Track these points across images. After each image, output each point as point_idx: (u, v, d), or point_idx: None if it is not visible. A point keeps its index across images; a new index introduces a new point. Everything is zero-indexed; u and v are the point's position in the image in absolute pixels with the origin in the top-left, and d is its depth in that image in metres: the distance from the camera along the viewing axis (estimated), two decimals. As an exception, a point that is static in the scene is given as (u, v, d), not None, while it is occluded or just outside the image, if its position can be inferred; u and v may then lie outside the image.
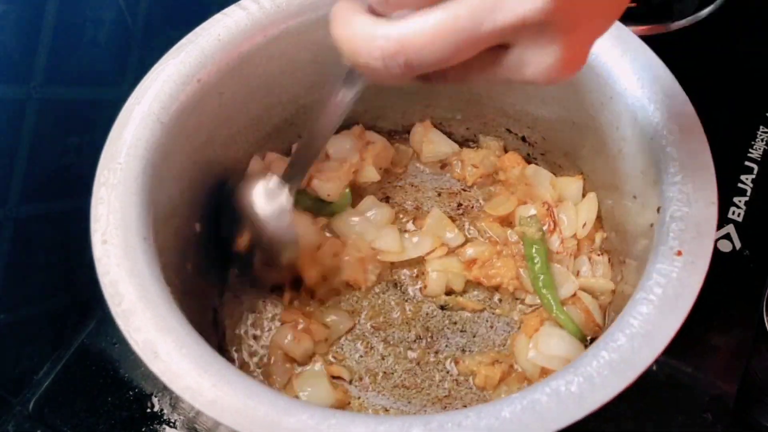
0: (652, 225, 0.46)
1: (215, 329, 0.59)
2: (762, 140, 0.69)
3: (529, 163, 0.65)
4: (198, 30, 0.53)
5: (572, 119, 0.56)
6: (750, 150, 0.69)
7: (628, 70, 0.49)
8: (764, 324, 0.58)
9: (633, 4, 0.75)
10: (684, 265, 0.41)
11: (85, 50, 0.57)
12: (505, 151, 0.67)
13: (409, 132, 0.69)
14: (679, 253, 0.41)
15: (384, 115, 0.67)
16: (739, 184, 0.66)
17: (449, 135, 0.68)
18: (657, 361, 0.53)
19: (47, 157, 0.56)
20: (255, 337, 0.59)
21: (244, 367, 0.58)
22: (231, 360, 0.58)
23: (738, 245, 0.63)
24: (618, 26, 0.51)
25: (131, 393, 0.58)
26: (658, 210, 0.45)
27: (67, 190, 0.58)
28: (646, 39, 0.51)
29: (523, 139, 0.64)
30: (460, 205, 0.66)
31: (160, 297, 0.42)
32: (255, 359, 0.58)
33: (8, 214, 0.53)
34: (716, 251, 0.62)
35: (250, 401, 0.38)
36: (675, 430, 0.54)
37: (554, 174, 0.63)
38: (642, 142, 0.48)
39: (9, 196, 0.53)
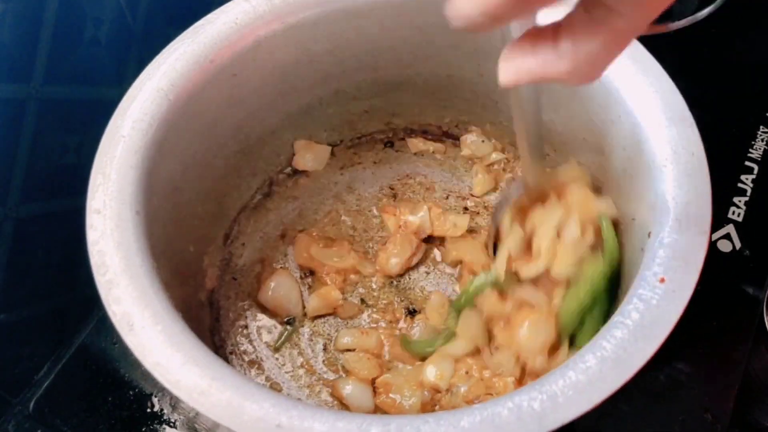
0: (642, 249, 0.45)
1: (210, 309, 0.59)
2: (762, 140, 0.69)
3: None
4: (217, 12, 0.53)
5: (583, 135, 0.56)
6: (750, 150, 0.69)
7: (638, 91, 0.49)
8: (764, 324, 0.58)
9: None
10: (665, 293, 0.40)
11: (86, 49, 0.57)
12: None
13: (426, 131, 0.69)
14: (662, 280, 0.41)
15: (401, 112, 0.68)
16: (739, 184, 0.66)
17: (457, 137, 0.69)
18: (657, 361, 0.53)
19: (47, 156, 0.56)
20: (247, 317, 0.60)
21: (233, 344, 0.58)
22: (221, 339, 0.59)
23: (738, 245, 0.63)
24: (634, 44, 0.50)
25: (131, 393, 0.57)
26: (649, 235, 0.44)
27: (67, 189, 0.58)
28: (646, 39, 0.51)
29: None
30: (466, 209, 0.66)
31: (143, 271, 0.42)
32: (245, 339, 0.59)
33: (8, 213, 0.53)
34: (716, 251, 0.62)
35: (216, 383, 0.38)
36: (675, 430, 0.54)
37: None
38: (644, 165, 0.47)
39: (9, 196, 0.53)
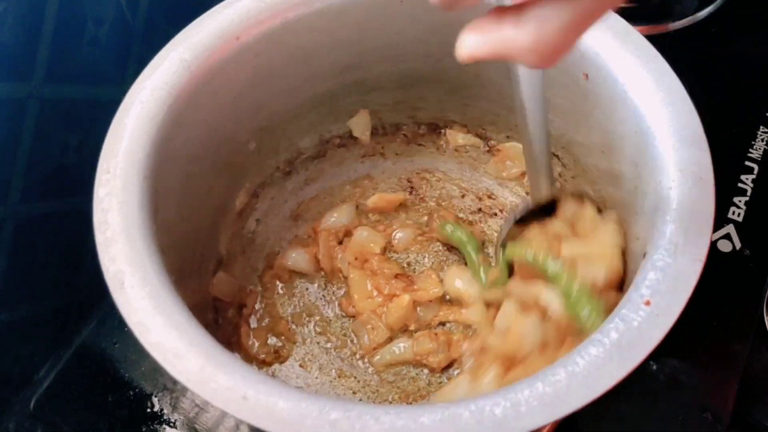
0: (635, 270, 0.44)
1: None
2: (762, 140, 0.70)
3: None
4: None
5: (601, 148, 0.55)
6: (750, 150, 0.69)
7: (656, 108, 0.48)
8: (764, 324, 0.58)
9: (633, 5, 0.75)
10: (648, 316, 0.39)
11: (86, 49, 0.57)
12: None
13: (451, 128, 0.68)
14: (648, 303, 0.40)
15: (423, 106, 0.67)
16: (739, 184, 0.66)
17: (487, 140, 0.68)
18: (657, 361, 0.54)
19: (47, 156, 0.56)
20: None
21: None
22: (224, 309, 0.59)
23: (738, 245, 0.63)
24: (657, 58, 0.49)
25: (131, 392, 0.57)
26: (644, 255, 0.43)
27: (67, 189, 0.58)
28: (647, 39, 0.51)
29: (558, 157, 0.63)
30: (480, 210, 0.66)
31: (141, 234, 0.43)
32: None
33: (8, 213, 0.53)
34: (716, 251, 0.62)
35: (192, 349, 0.38)
36: (675, 430, 0.54)
37: (579, 199, 0.63)
38: (651, 184, 0.46)
39: (9, 196, 0.53)
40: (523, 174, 0.66)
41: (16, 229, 0.54)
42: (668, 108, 0.48)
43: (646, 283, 0.41)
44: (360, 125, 0.67)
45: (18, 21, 0.50)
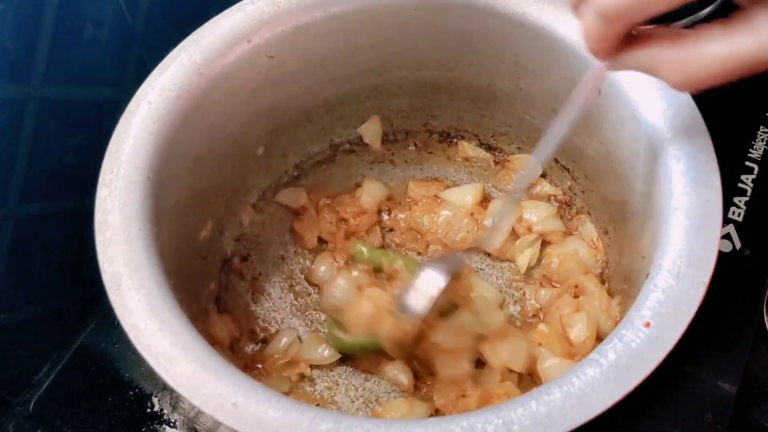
0: (639, 289, 0.44)
1: (219, 279, 0.61)
2: (762, 140, 0.69)
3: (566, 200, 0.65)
4: None
5: (611, 164, 0.55)
6: (750, 150, 0.69)
7: (667, 129, 0.47)
8: (764, 324, 0.58)
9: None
10: (647, 338, 0.39)
11: (85, 50, 0.57)
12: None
13: (463, 137, 0.69)
14: (648, 325, 0.40)
15: (440, 114, 0.68)
16: (739, 184, 0.66)
17: (499, 150, 0.68)
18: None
19: (47, 156, 0.56)
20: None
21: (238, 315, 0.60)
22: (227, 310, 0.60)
23: (738, 245, 0.63)
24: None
25: (131, 393, 0.57)
26: (647, 276, 0.43)
27: (67, 189, 0.58)
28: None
29: (568, 171, 0.64)
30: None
31: (141, 235, 0.43)
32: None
33: (8, 214, 0.53)
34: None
35: (185, 354, 0.39)
36: (675, 430, 0.54)
37: (589, 213, 0.63)
38: (658, 204, 0.46)
39: (9, 196, 0.53)
40: (530, 186, 0.66)
41: (15, 230, 0.54)
42: (680, 128, 0.47)
43: (647, 304, 0.40)
44: (371, 131, 0.67)
45: (17, 22, 0.50)
